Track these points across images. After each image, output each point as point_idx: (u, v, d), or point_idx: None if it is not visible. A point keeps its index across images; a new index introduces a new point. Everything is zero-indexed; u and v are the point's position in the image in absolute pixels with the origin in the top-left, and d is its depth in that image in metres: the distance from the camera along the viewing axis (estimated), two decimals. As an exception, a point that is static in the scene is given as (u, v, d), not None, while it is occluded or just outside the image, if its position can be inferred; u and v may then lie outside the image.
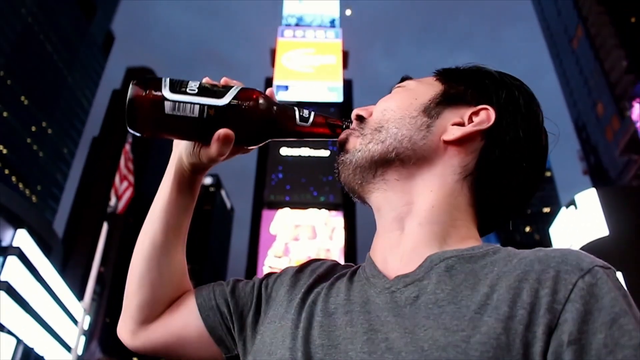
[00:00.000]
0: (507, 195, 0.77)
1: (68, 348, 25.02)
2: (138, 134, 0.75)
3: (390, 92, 0.86)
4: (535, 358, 0.55)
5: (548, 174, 74.93)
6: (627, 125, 37.62)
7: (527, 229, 68.79)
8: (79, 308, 21.31)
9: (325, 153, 42.52)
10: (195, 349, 0.87)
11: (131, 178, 10.61)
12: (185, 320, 0.86)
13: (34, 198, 60.48)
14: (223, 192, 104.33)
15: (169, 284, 0.88)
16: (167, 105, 0.71)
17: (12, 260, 21.06)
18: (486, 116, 0.75)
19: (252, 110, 0.74)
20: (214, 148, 0.75)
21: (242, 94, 0.75)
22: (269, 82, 49.88)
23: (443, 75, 0.83)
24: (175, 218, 0.87)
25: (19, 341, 21.14)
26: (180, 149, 0.84)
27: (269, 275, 0.89)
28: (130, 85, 0.72)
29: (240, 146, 0.79)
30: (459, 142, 0.75)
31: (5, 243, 21.24)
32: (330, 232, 40.95)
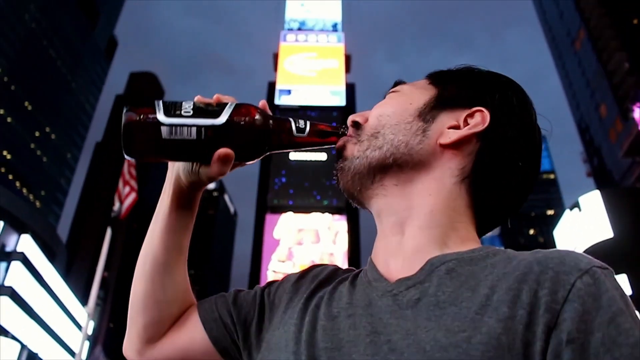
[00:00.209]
0: (504, 195, 0.78)
1: (72, 353, 25.05)
2: (136, 160, 0.74)
3: (384, 97, 0.86)
4: (535, 357, 0.56)
5: (552, 176, 74.75)
6: (630, 127, 37.55)
7: (531, 231, 68.62)
8: (83, 313, 21.29)
9: (327, 157, 42.51)
10: None
11: (134, 183, 10.63)
12: (191, 335, 0.86)
13: (37, 203, 60.62)
14: (226, 197, 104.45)
15: (174, 301, 0.88)
16: (164, 130, 0.70)
17: (16, 266, 21.11)
18: (481, 118, 0.76)
19: (249, 127, 0.74)
20: (214, 168, 0.75)
21: (238, 110, 0.74)
22: (271, 87, 50.01)
23: (436, 78, 0.83)
24: (176, 237, 0.86)
25: (23, 346, 21.17)
26: (178, 167, 0.82)
27: (271, 283, 0.90)
28: (124, 112, 0.71)
29: (239, 162, 0.78)
30: (456, 145, 0.75)
31: (9, 248, 21.28)
32: (334, 236, 40.97)
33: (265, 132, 0.75)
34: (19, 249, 21.44)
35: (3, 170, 53.86)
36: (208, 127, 0.71)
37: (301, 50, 51.20)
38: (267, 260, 40.11)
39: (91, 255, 57.80)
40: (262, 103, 0.79)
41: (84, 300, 24.07)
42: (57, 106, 66.02)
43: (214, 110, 0.73)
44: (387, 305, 0.68)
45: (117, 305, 59.10)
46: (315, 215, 42.08)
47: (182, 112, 0.71)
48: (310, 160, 43.98)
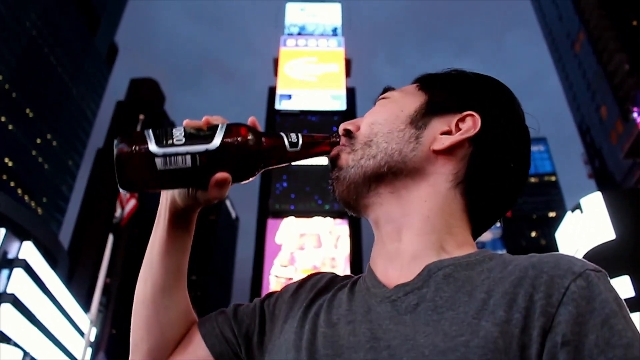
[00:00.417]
0: (498, 196, 0.79)
1: (75, 360, 25.03)
2: (132, 193, 0.77)
3: (374, 104, 0.87)
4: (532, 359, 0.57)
5: (553, 178, 74.63)
6: (631, 128, 37.54)
7: (533, 234, 68.46)
8: (85, 320, 21.32)
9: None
10: None
11: None
12: (194, 354, 0.86)
13: (39, 210, 60.65)
14: (228, 202, 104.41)
15: (177, 324, 0.87)
16: (158, 161, 0.69)
17: (19, 273, 21.11)
18: (472, 122, 0.77)
19: (242, 148, 0.73)
20: (212, 193, 0.74)
21: (229, 132, 0.73)
22: (272, 91, 50.11)
23: (424, 83, 0.84)
24: (175, 259, 0.85)
25: (25, 353, 21.15)
26: (174, 192, 0.81)
27: (270, 294, 0.90)
28: (114, 144, 0.70)
29: (236, 181, 0.77)
30: (449, 150, 0.76)
31: (11, 255, 21.28)
32: (335, 241, 40.96)
33: (259, 151, 0.75)
34: (21, 256, 21.44)
35: (4, 177, 53.93)
36: (202, 153, 0.70)
37: (301, 55, 51.32)
38: (269, 265, 40.08)
39: (93, 261, 57.76)
40: (252, 120, 0.78)
41: (86, 307, 24.10)
42: (58, 113, 66.13)
43: (206, 134, 0.72)
44: (385, 311, 0.69)
45: (119, 312, 59.04)
46: (317, 220, 42.07)
47: (174, 141, 0.70)
48: (312, 165, 43.96)
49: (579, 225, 18.70)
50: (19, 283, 20.98)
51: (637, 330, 0.58)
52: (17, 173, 56.62)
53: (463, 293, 0.65)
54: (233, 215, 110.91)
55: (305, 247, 40.68)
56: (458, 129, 0.77)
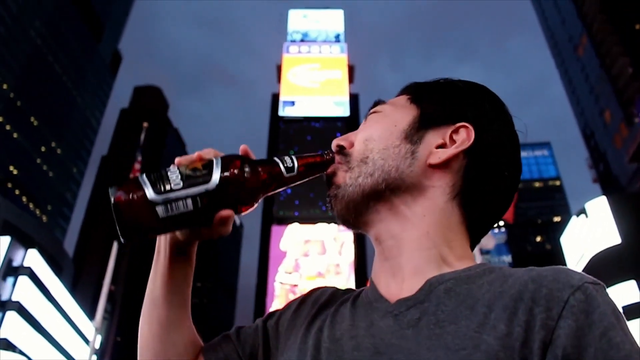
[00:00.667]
0: (494, 204, 0.79)
1: (80, 367, 25.02)
2: (134, 241, 0.72)
3: (365, 118, 0.87)
4: None
5: (557, 183, 74.41)
6: (635, 132, 37.49)
7: (538, 238, 68.21)
8: (90, 327, 21.30)
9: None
10: None
11: None
12: None
13: (44, 218, 60.82)
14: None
15: (185, 354, 0.86)
16: (159, 209, 0.67)
17: (24, 280, 21.15)
18: (466, 134, 0.77)
19: (241, 182, 0.72)
20: (217, 230, 0.74)
21: (225, 167, 0.72)
22: (275, 98, 50.25)
23: (415, 95, 0.84)
24: (179, 294, 0.84)
25: (30, 361, 21.15)
26: None
27: (272, 313, 0.90)
28: (110, 192, 0.67)
29: (238, 214, 0.77)
30: (444, 163, 0.76)
31: (16, 263, 21.33)
32: (340, 247, 40.90)
33: (256, 182, 0.74)
34: (26, 264, 21.48)
35: (9, 185, 54.13)
36: (202, 195, 0.69)
37: (304, 61, 51.45)
38: (274, 272, 40.05)
39: (98, 269, 57.78)
40: (243, 149, 0.76)
41: (91, 315, 24.09)
42: (62, 121, 66.41)
43: (203, 174, 0.70)
44: (388, 326, 0.69)
45: (124, 319, 59.02)
46: (321, 226, 42.02)
47: (172, 186, 0.68)
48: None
49: (584, 229, 18.63)
50: (24, 291, 21.02)
51: (635, 342, 0.59)
52: (22, 181, 56.83)
53: (464, 307, 0.66)
54: (237, 221, 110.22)
55: (309, 253, 40.63)
56: (452, 141, 0.77)
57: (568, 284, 0.61)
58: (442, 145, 0.78)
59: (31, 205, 57.87)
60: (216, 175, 0.70)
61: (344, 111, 48.21)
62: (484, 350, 0.60)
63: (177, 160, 0.74)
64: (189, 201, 0.68)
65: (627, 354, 0.56)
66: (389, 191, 0.77)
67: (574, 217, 20.17)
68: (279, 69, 51.72)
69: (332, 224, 42.12)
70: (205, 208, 0.70)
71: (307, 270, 39.60)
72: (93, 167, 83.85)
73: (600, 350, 0.57)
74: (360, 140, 0.81)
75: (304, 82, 49.93)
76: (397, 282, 0.75)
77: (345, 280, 38.50)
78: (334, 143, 0.84)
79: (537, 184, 72.97)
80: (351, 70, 52.20)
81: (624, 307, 13.40)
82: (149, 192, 0.67)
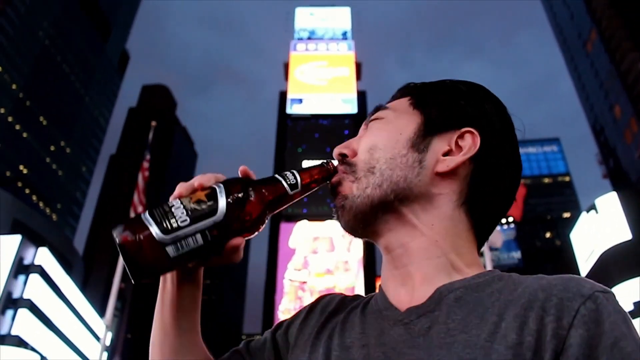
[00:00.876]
0: (498, 207, 0.79)
1: (91, 365, 25.20)
2: (146, 282, 0.70)
3: (365, 124, 0.86)
4: None
5: (567, 178, 74.03)
6: (645, 127, 37.16)
7: (548, 234, 67.89)
8: (100, 324, 21.43)
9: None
10: None
11: (143, 198, 10.81)
12: None
13: (54, 216, 61.26)
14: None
15: None
16: (170, 249, 0.66)
17: (35, 278, 21.34)
18: (472, 140, 0.76)
19: (248, 208, 0.71)
20: (228, 258, 0.73)
21: (229, 194, 0.70)
22: (283, 96, 50.23)
23: (417, 99, 0.82)
24: (189, 318, 0.81)
25: (42, 358, 21.33)
26: None
27: (280, 324, 0.90)
28: (114, 234, 0.65)
29: (248, 237, 0.76)
30: (452, 171, 0.76)
31: (27, 261, 21.51)
32: (348, 244, 40.84)
33: (262, 204, 0.73)
34: (36, 262, 21.66)
35: (20, 184, 54.57)
36: (211, 227, 0.68)
37: (311, 59, 51.37)
38: (283, 269, 40.10)
39: (108, 266, 58.16)
40: (243, 170, 0.75)
41: (101, 312, 24.25)
42: (71, 120, 66.83)
43: (209, 205, 0.68)
44: (399, 335, 0.69)
45: (134, 317, 59.37)
46: (330, 223, 41.91)
47: (179, 223, 0.66)
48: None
49: (594, 225, 18.53)
50: (35, 288, 21.21)
51: None
52: (32, 180, 57.26)
53: (475, 316, 0.66)
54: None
55: (318, 250, 40.61)
56: (458, 146, 0.77)
57: (579, 293, 0.62)
58: (448, 152, 0.77)
59: (41, 204, 58.30)
60: (222, 205, 0.69)
61: (351, 108, 48.10)
62: None
63: (177, 191, 0.72)
64: (199, 236, 0.67)
65: None
66: (397, 201, 0.76)
67: (584, 213, 20.07)
68: (286, 66, 51.68)
69: (341, 221, 42.18)
70: (215, 240, 0.69)
71: (316, 267, 39.61)
72: (102, 166, 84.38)
73: (612, 359, 0.57)
74: (364, 149, 0.80)
75: (311, 80, 49.86)
76: (407, 290, 0.75)
77: (354, 276, 38.49)
78: (336, 151, 0.83)
79: (546, 180, 72.66)
80: (358, 67, 52.07)
81: (635, 303, 13.31)
82: (157, 232, 0.65)
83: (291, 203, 0.78)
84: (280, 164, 46.10)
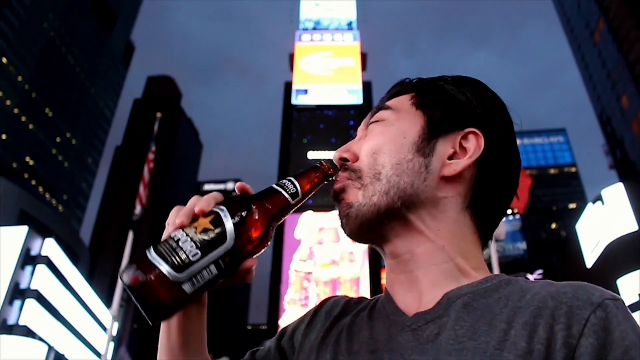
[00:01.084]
0: (501, 206, 0.79)
1: (98, 354, 25.44)
2: (164, 321, 0.69)
3: (365, 125, 0.83)
4: None
5: (573, 169, 73.67)
6: (653, 117, 36.90)
7: (553, 225, 67.63)
8: (107, 315, 21.60)
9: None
10: None
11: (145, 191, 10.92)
12: None
13: (60, 208, 61.57)
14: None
15: None
16: (186, 287, 0.63)
17: (41, 269, 21.51)
18: (476, 141, 0.75)
19: (254, 227, 0.69)
20: (242, 279, 0.71)
21: (234, 216, 0.67)
22: (288, 87, 50.13)
23: (419, 99, 0.80)
24: (196, 341, 0.77)
25: (50, 347, 21.53)
26: None
27: (284, 330, 0.88)
28: (125, 280, 0.63)
29: (258, 254, 0.73)
30: (457, 174, 0.75)
31: (34, 252, 21.68)
32: (353, 235, 40.90)
33: (267, 218, 0.71)
34: (43, 253, 21.84)
35: (26, 176, 54.80)
36: (223, 256, 0.66)
37: (317, 49, 51.21)
38: (288, 260, 40.20)
39: (114, 257, 58.46)
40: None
41: (107, 302, 24.42)
42: (77, 112, 67.00)
43: (217, 233, 0.66)
44: (407, 341, 0.68)
45: (140, 307, 59.69)
46: (335, 214, 41.90)
47: (191, 258, 0.63)
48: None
49: (601, 216, 18.47)
50: (42, 279, 21.39)
51: None
52: (38, 171, 57.51)
53: (483, 322, 0.65)
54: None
55: (323, 241, 40.66)
56: (462, 148, 0.76)
57: (588, 301, 0.61)
58: (452, 155, 0.76)
59: (47, 196, 58.57)
60: (230, 230, 0.66)
61: (357, 99, 47.98)
62: None
63: (178, 221, 0.67)
64: (212, 267, 0.65)
65: None
66: (404, 208, 0.74)
67: (590, 204, 20.01)
68: (291, 57, 51.54)
69: (346, 212, 42.21)
70: (228, 266, 0.67)
71: (322, 257, 39.68)
72: (108, 157, 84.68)
73: None
74: (367, 153, 0.77)
75: (316, 70, 49.73)
76: (414, 295, 0.74)
77: (359, 267, 38.55)
78: (337, 155, 0.80)
79: (552, 171, 72.32)
80: (364, 57, 51.89)
81: (640, 295, 13.31)
82: (169, 271, 0.62)
83: (294, 210, 0.76)
84: (285, 154, 46.08)
